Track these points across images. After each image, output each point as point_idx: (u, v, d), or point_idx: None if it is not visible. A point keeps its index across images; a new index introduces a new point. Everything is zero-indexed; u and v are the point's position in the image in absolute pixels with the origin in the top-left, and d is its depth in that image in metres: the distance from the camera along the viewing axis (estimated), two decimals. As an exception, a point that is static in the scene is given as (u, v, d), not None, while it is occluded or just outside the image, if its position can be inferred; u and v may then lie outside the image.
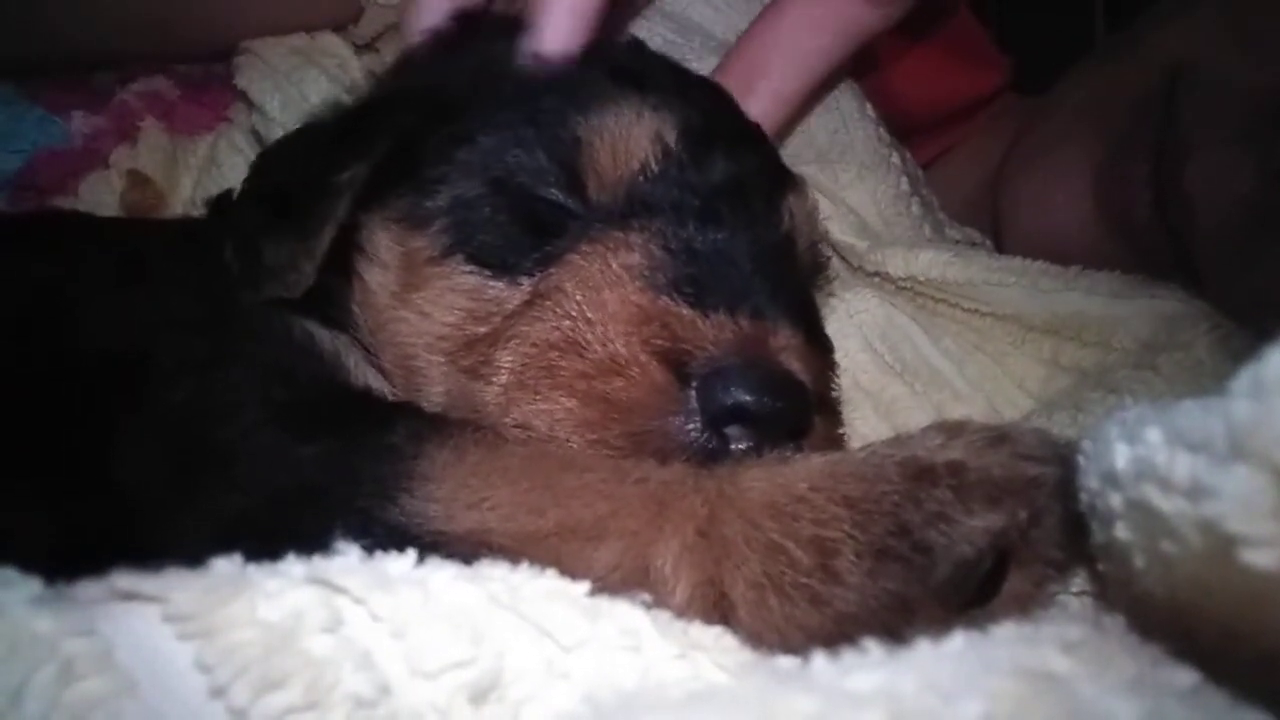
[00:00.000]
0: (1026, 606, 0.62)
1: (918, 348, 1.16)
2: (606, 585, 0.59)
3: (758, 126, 1.04)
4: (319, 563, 0.52)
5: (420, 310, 0.86)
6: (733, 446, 0.74)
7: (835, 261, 1.22)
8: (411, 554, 0.55)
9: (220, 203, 1.02)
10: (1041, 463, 0.61)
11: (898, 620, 0.58)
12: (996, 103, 1.80)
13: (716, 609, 0.61)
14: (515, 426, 0.77)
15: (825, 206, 1.21)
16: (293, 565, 0.52)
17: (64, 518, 0.79)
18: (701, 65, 1.20)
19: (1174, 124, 1.29)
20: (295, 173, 0.92)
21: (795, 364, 0.79)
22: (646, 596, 0.59)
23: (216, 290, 0.89)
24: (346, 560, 0.53)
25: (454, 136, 0.90)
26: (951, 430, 0.64)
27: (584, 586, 0.56)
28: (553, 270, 0.84)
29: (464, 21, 1.06)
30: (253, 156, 1.20)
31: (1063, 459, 0.61)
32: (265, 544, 0.54)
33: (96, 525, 0.76)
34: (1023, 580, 0.63)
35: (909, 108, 1.59)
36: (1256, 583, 0.41)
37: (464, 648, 0.49)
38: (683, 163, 0.88)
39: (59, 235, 1.07)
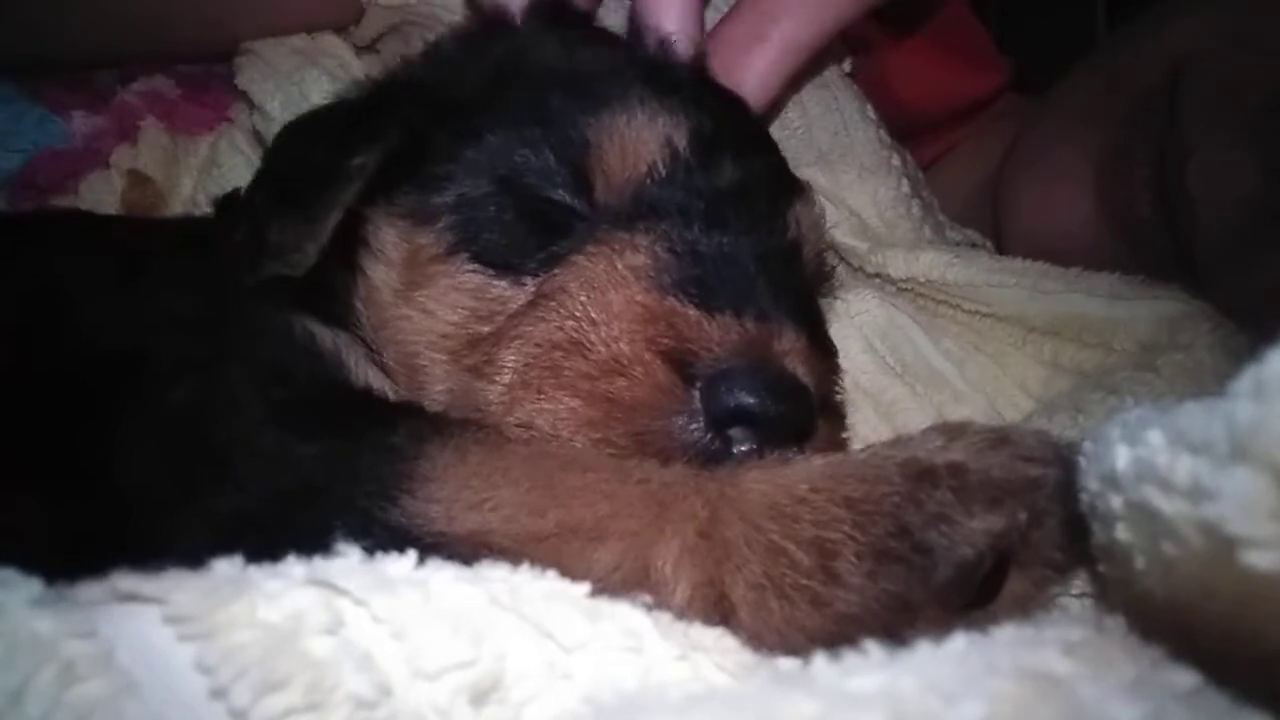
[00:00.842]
0: (1027, 608, 0.62)
1: (918, 349, 1.16)
2: (607, 586, 0.59)
3: (768, 134, 1.04)
4: (320, 564, 0.52)
5: (424, 308, 0.86)
6: (735, 448, 0.74)
7: (838, 264, 1.22)
8: (412, 555, 0.54)
9: (226, 202, 1.02)
10: (1042, 464, 0.61)
11: (898, 621, 0.58)
12: (997, 104, 1.80)
13: (717, 610, 0.61)
14: (518, 426, 0.77)
15: (826, 208, 1.21)
16: (293, 566, 0.51)
17: (64, 518, 0.79)
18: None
19: (1174, 124, 1.29)
20: (308, 154, 0.92)
21: (799, 367, 0.79)
22: (647, 597, 0.59)
23: (217, 289, 0.89)
24: (347, 561, 0.53)
25: (463, 133, 0.90)
26: (952, 432, 0.64)
27: (585, 588, 0.56)
28: (557, 270, 0.84)
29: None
30: (253, 156, 1.21)
31: (1063, 460, 0.61)
32: (265, 544, 0.54)
33: (97, 525, 0.76)
34: (1023, 582, 0.63)
35: (910, 109, 1.59)
36: (1257, 584, 0.41)
37: (465, 649, 0.49)
38: (690, 167, 0.88)
39: (59, 235, 1.07)
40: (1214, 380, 0.96)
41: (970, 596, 0.60)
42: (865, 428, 1.08)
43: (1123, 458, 0.51)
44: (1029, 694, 0.42)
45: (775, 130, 1.22)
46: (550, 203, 0.87)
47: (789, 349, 0.79)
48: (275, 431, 0.76)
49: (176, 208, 1.30)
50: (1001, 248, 1.45)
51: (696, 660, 0.55)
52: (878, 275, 1.20)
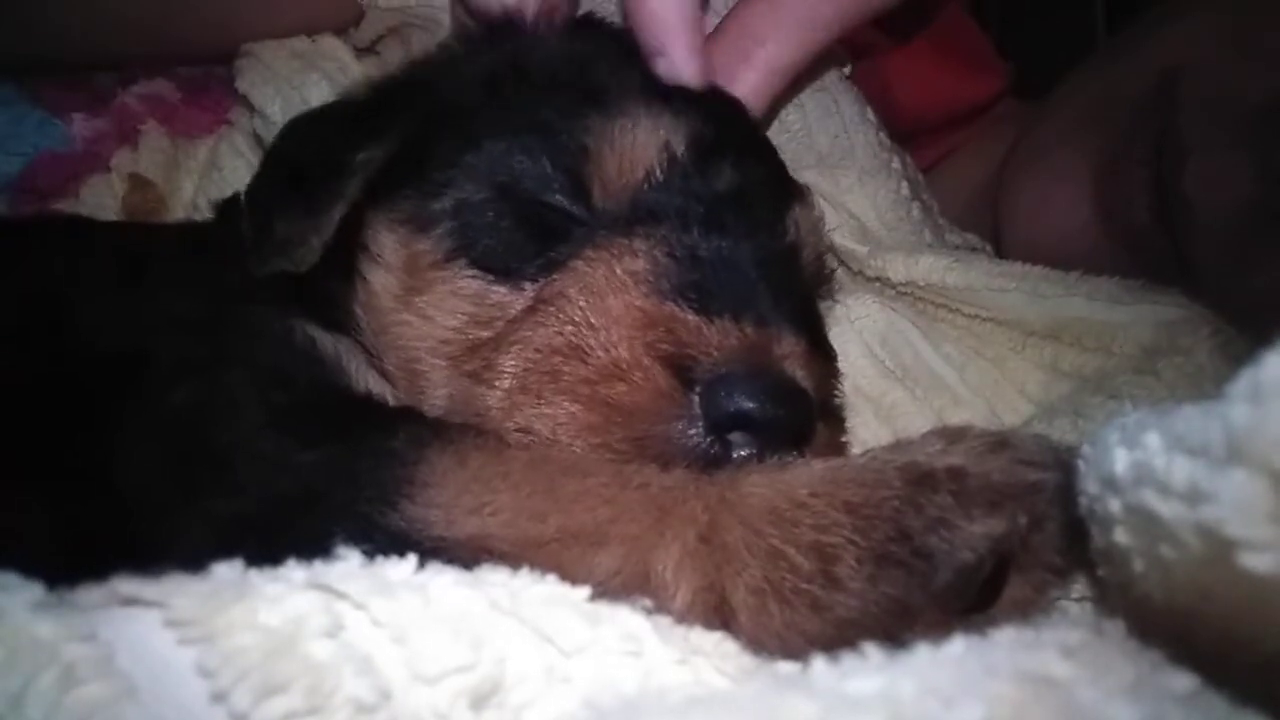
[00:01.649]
0: (1026, 611, 0.62)
1: (918, 353, 1.16)
2: (607, 590, 0.59)
3: (767, 140, 1.04)
4: (320, 568, 0.52)
5: (423, 313, 0.86)
6: (735, 453, 0.74)
7: (837, 268, 1.22)
8: (412, 559, 0.55)
9: (227, 206, 1.02)
10: (1041, 468, 0.61)
11: (898, 625, 0.58)
12: (997, 108, 1.81)
13: (717, 614, 0.61)
14: (518, 431, 0.77)
15: (825, 211, 1.21)
16: (294, 570, 0.52)
17: (65, 521, 0.79)
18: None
19: (1172, 128, 1.29)
20: (312, 149, 0.92)
21: (798, 371, 0.79)
22: (647, 602, 0.59)
23: (217, 293, 0.89)
24: (347, 565, 0.53)
25: (462, 139, 0.90)
26: (952, 436, 0.64)
27: (585, 591, 0.56)
28: (556, 276, 0.84)
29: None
30: (254, 160, 1.21)
31: (1063, 464, 0.61)
32: (265, 548, 0.54)
33: (97, 528, 0.76)
34: (1023, 585, 0.63)
35: (909, 112, 1.59)
36: (1255, 587, 0.41)
37: (465, 653, 0.49)
38: (689, 171, 0.88)
39: (60, 238, 1.07)
40: (1214, 385, 0.95)
41: (970, 600, 0.60)
42: (865, 431, 1.08)
43: (1121, 461, 0.51)
44: (1028, 697, 0.42)
45: (774, 133, 1.22)
46: (549, 208, 0.87)
47: (788, 353, 0.79)
48: (275, 436, 0.76)
49: (177, 211, 1.30)
50: (1001, 251, 1.45)
51: (696, 664, 0.55)
52: (877, 279, 1.20)
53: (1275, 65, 1.25)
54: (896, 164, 1.29)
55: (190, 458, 0.77)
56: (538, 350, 0.80)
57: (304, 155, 0.92)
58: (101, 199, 1.27)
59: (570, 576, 0.58)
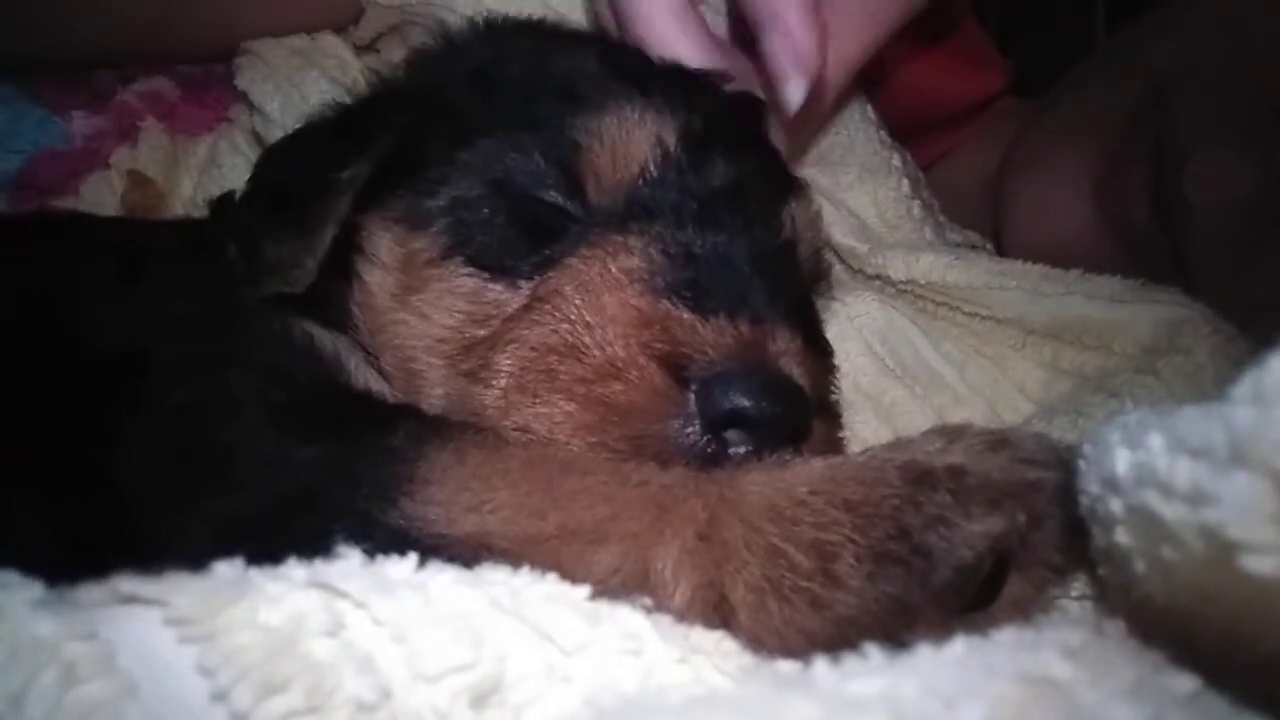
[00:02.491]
0: (1026, 610, 0.62)
1: (918, 351, 1.16)
2: (607, 588, 0.59)
3: (762, 130, 1.04)
4: (320, 566, 0.52)
5: (420, 312, 0.86)
6: (731, 451, 0.74)
7: (836, 264, 1.22)
8: (413, 558, 0.55)
9: (221, 204, 1.02)
10: (1041, 467, 0.61)
11: (898, 624, 0.58)
12: (997, 106, 1.81)
13: (717, 612, 0.61)
14: (515, 430, 0.77)
15: (826, 209, 1.21)
16: (294, 569, 0.52)
17: (65, 519, 0.79)
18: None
19: (1172, 127, 1.29)
20: (297, 170, 0.92)
21: (794, 368, 0.79)
22: (647, 600, 0.59)
23: (217, 291, 0.89)
24: (348, 564, 0.53)
25: (454, 138, 0.90)
26: (952, 434, 0.64)
27: (585, 590, 0.56)
28: (552, 274, 0.84)
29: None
30: (253, 157, 1.20)
31: (1063, 463, 0.61)
32: (265, 546, 0.54)
33: (98, 527, 0.76)
34: (1023, 584, 0.63)
35: (910, 110, 1.59)
36: (1257, 589, 0.41)
37: (465, 652, 0.49)
38: (682, 166, 0.88)
39: (59, 236, 1.07)
40: (1213, 384, 0.96)
41: (969, 599, 0.60)
42: (865, 429, 1.08)
43: (1123, 461, 0.51)
44: (1029, 698, 0.42)
45: (773, 130, 1.22)
46: (543, 205, 0.87)
47: (784, 350, 0.79)
48: (275, 434, 0.76)
49: (177, 208, 1.30)
50: (1001, 249, 1.45)
51: (697, 663, 0.55)
52: (878, 277, 1.20)
53: (1274, 65, 1.25)
54: (897, 161, 1.29)
55: (190, 456, 0.77)
56: (534, 349, 0.80)
57: (287, 178, 0.92)
58: (101, 196, 1.27)
59: (569, 574, 0.58)
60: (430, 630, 0.50)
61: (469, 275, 0.86)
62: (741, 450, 0.74)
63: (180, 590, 0.49)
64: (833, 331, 1.08)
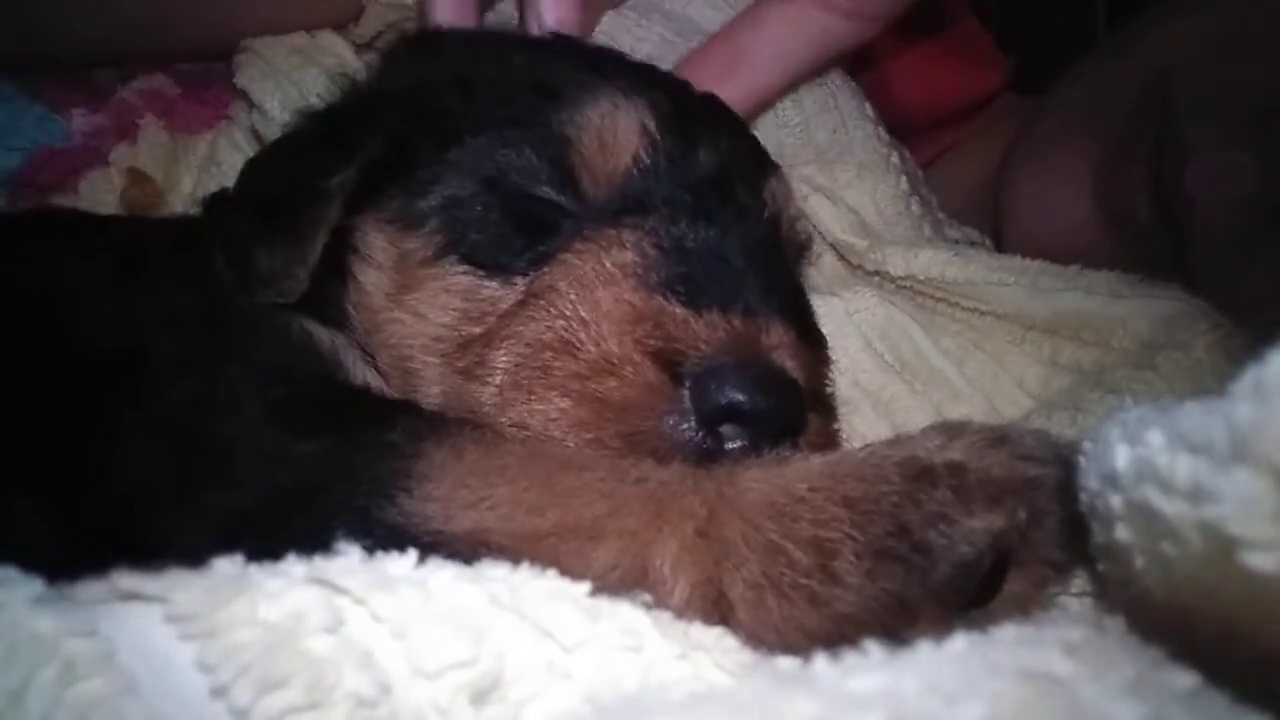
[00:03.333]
0: (1027, 607, 0.62)
1: (917, 347, 1.16)
2: (605, 585, 0.59)
3: (727, 106, 1.05)
4: (320, 563, 0.52)
5: (415, 311, 0.86)
6: (727, 445, 0.74)
7: (835, 260, 1.23)
8: (412, 554, 0.55)
9: (214, 203, 1.02)
10: (1041, 463, 0.61)
11: (898, 621, 0.58)
12: (997, 103, 1.80)
13: (716, 609, 0.61)
14: (511, 426, 0.77)
15: (825, 206, 1.21)
16: (294, 565, 0.52)
17: (64, 516, 0.79)
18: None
19: (1172, 125, 1.29)
20: (284, 179, 0.92)
21: (788, 361, 0.79)
22: (646, 596, 0.59)
23: (215, 288, 0.89)
24: (347, 560, 0.53)
25: (443, 138, 0.90)
26: (951, 431, 0.64)
27: (585, 587, 0.56)
28: (546, 269, 0.84)
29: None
30: (252, 154, 1.20)
31: (1063, 460, 0.61)
32: (264, 542, 0.54)
33: (97, 524, 0.76)
34: (1023, 581, 0.63)
35: (909, 108, 1.59)
36: (1257, 585, 0.41)
37: (465, 648, 0.49)
38: (670, 154, 0.89)
39: (59, 234, 1.07)
40: (1213, 379, 0.96)
41: (970, 596, 0.60)
42: (864, 426, 1.08)
43: (1122, 457, 0.51)
44: (1030, 694, 0.42)
45: (772, 128, 1.23)
46: (537, 200, 0.87)
47: (777, 344, 0.80)
48: (274, 429, 0.75)
49: (176, 206, 1.29)
50: (1001, 246, 1.45)
51: (697, 659, 0.55)
52: (876, 273, 1.20)
53: (1274, 65, 1.25)
54: (895, 159, 1.29)
55: (189, 452, 0.77)
56: (528, 345, 0.80)
57: (275, 187, 0.92)
58: (100, 194, 1.27)
59: (568, 571, 0.58)
60: (430, 626, 0.50)
61: (464, 273, 0.86)
62: (737, 445, 0.74)
63: (180, 587, 0.49)
64: (831, 328, 1.08)
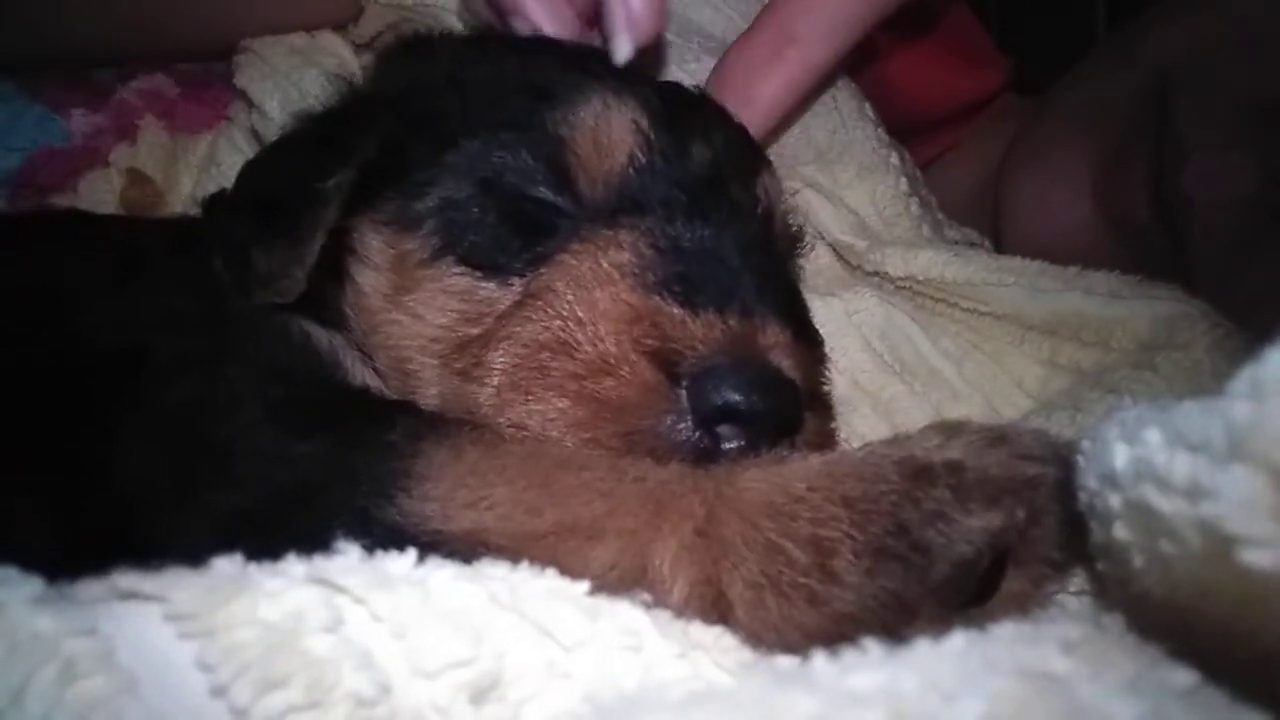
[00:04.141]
0: (1025, 606, 0.62)
1: (917, 347, 1.16)
2: (604, 584, 0.59)
3: (713, 99, 1.05)
4: (320, 562, 0.52)
5: (413, 312, 0.86)
6: (724, 445, 0.74)
7: (834, 261, 1.23)
8: (412, 554, 0.55)
9: (213, 203, 1.02)
10: (1040, 463, 0.61)
11: (896, 620, 0.58)
12: (996, 103, 1.81)
13: (715, 608, 0.61)
14: (509, 427, 0.77)
15: (824, 206, 1.21)
16: (293, 565, 0.52)
17: (64, 516, 0.79)
18: (700, 66, 1.21)
19: (1172, 125, 1.29)
20: (281, 181, 0.92)
21: (784, 361, 0.79)
22: (645, 596, 0.59)
23: (214, 288, 0.89)
24: (347, 560, 0.53)
25: (438, 140, 0.90)
26: (950, 430, 0.64)
27: (585, 586, 0.56)
28: (543, 270, 0.84)
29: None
30: (251, 155, 1.20)
31: (1061, 459, 0.61)
32: (264, 542, 0.54)
33: (97, 523, 0.76)
34: (1021, 580, 0.63)
35: (909, 108, 1.59)
36: (1255, 583, 0.41)
37: (464, 647, 0.49)
38: (665, 153, 0.89)
39: (58, 234, 1.07)
40: (1212, 379, 0.96)
41: (968, 594, 0.60)
42: (863, 426, 1.08)
43: (1121, 456, 0.51)
44: (1029, 692, 0.42)
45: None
46: (534, 201, 0.87)
47: (773, 343, 0.80)
48: (273, 429, 0.75)
49: (176, 206, 1.30)
50: (1000, 247, 1.45)
51: (696, 658, 0.55)
52: (876, 273, 1.20)
53: (1274, 65, 1.25)
54: (895, 159, 1.29)
55: (189, 452, 0.77)
56: (526, 346, 0.80)
57: (272, 190, 0.92)
58: (100, 194, 1.27)
59: (567, 570, 0.58)
60: (430, 626, 0.50)
61: (461, 274, 0.86)
62: (734, 445, 0.74)
63: (180, 586, 0.49)
64: (831, 328, 1.08)
